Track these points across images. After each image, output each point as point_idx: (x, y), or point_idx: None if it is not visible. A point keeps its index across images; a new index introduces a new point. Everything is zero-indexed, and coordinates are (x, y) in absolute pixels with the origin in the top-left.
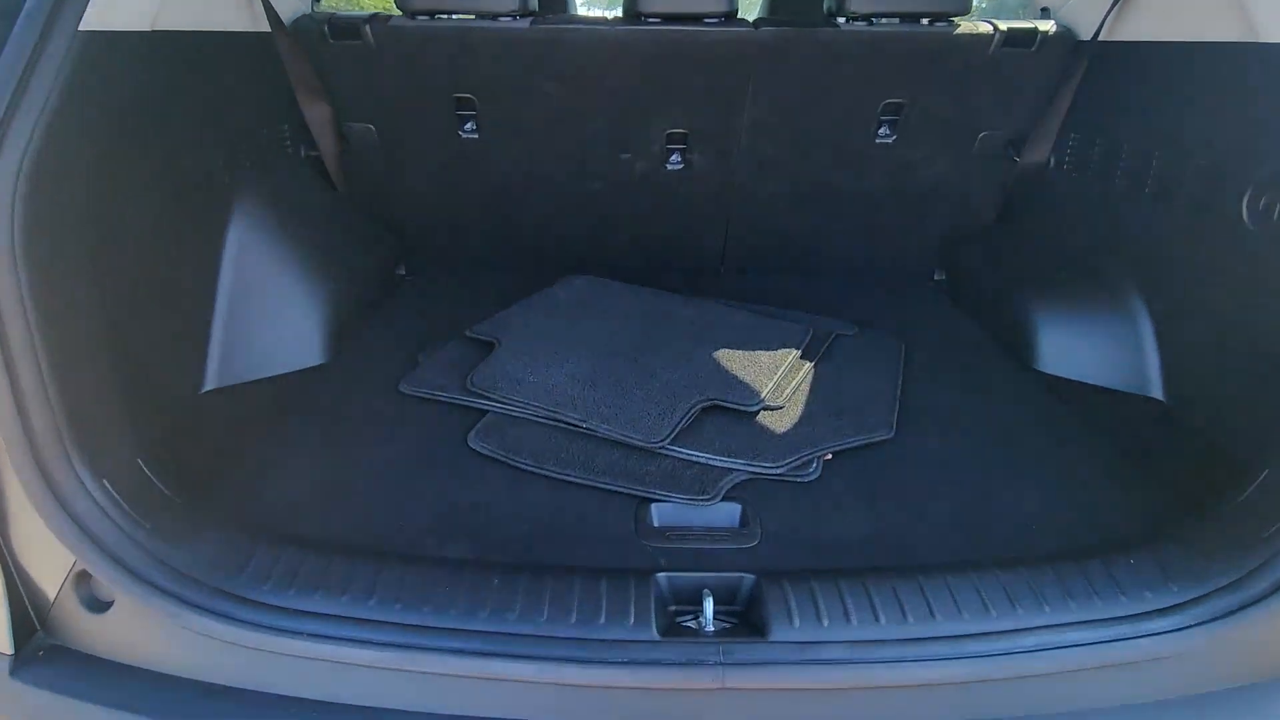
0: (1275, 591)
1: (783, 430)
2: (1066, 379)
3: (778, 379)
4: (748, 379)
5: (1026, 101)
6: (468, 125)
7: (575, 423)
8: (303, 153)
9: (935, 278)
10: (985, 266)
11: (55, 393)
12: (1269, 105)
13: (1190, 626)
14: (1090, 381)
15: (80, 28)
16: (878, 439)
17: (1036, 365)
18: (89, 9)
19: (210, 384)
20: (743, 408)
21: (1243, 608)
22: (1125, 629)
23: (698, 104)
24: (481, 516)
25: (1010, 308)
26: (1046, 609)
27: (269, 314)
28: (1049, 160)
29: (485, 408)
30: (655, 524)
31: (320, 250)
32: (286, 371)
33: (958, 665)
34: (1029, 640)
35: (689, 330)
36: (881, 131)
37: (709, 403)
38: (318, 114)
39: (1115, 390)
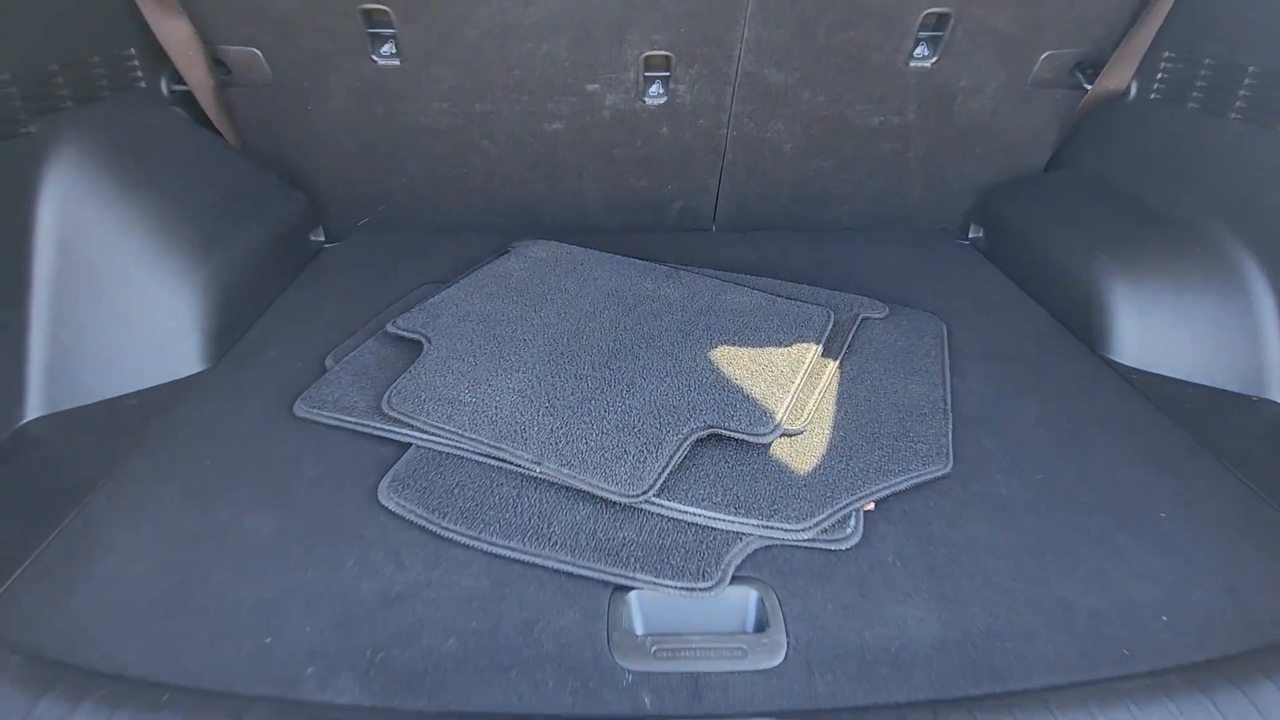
0: None
1: (807, 469)
2: (1156, 374)
3: (795, 390)
4: (756, 392)
5: (1111, 10)
6: (385, 48)
7: (527, 466)
8: (165, 87)
9: (970, 235)
10: (1038, 222)
11: None
12: None
13: None
14: (1190, 379)
15: None
16: (931, 475)
17: (1113, 354)
18: None
19: (33, 412)
20: (752, 438)
21: None
22: None
23: (683, 16)
24: (387, 628)
25: (1075, 277)
26: None
27: (118, 308)
28: (1129, 88)
29: (406, 439)
30: (636, 629)
31: (196, 217)
32: (149, 386)
33: None
34: None
35: (677, 318)
36: (918, 51)
37: (707, 431)
38: (173, 33)
39: (1228, 392)
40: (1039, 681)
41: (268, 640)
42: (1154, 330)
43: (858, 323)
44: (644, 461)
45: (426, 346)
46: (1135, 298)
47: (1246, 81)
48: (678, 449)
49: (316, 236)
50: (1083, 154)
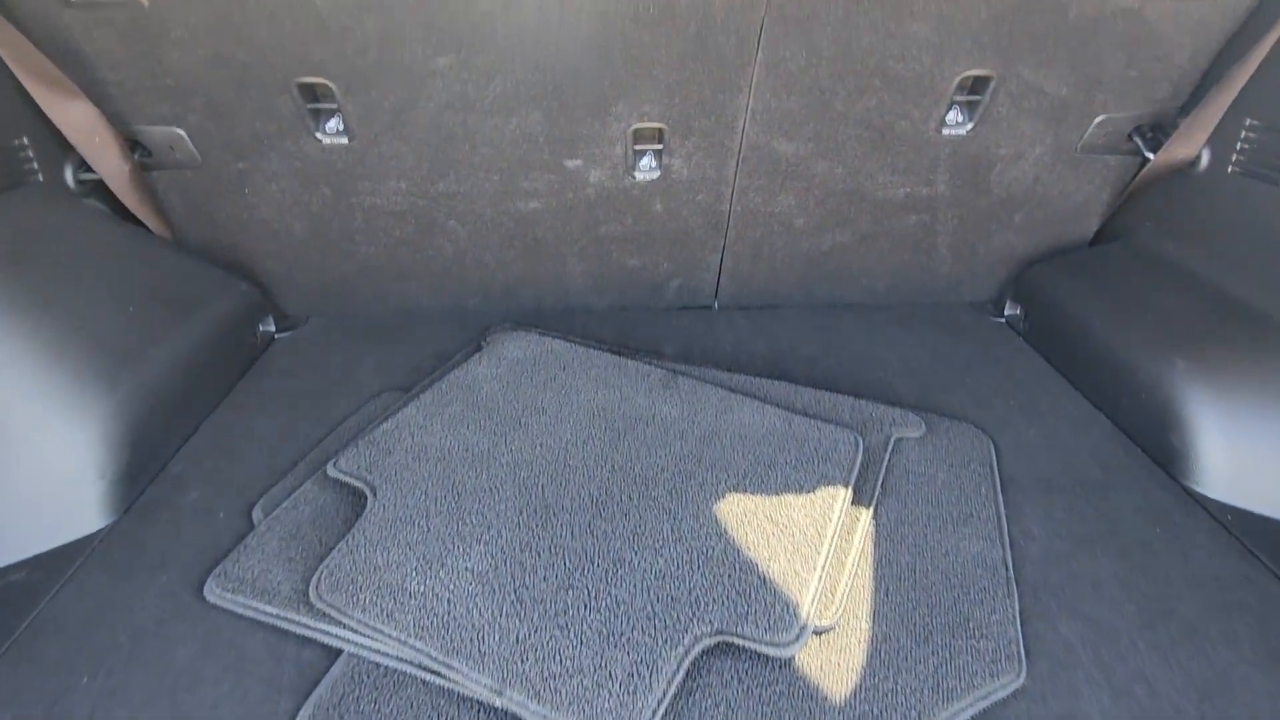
0: None
1: (843, 693)
2: (1259, 515)
3: (824, 563)
4: (775, 569)
5: (1176, 69)
6: (329, 123)
7: (484, 693)
8: (71, 178)
9: (1006, 312)
10: (1091, 305)
11: None
12: None
13: None
14: None
15: None
16: (1002, 691)
17: (1199, 485)
18: None
19: None
20: (773, 650)
21: None
22: None
23: (677, 85)
24: None
25: (1144, 380)
26: None
27: None
28: (1199, 156)
29: (336, 642)
30: None
31: (103, 333)
32: (26, 558)
33: None
34: None
35: (675, 452)
36: (952, 117)
37: (715, 639)
38: (75, 117)
39: None
40: None
41: None
42: (1251, 458)
43: (890, 447)
44: (634, 690)
45: (371, 501)
46: (1225, 415)
47: None
48: (678, 669)
49: (266, 326)
50: (1140, 227)
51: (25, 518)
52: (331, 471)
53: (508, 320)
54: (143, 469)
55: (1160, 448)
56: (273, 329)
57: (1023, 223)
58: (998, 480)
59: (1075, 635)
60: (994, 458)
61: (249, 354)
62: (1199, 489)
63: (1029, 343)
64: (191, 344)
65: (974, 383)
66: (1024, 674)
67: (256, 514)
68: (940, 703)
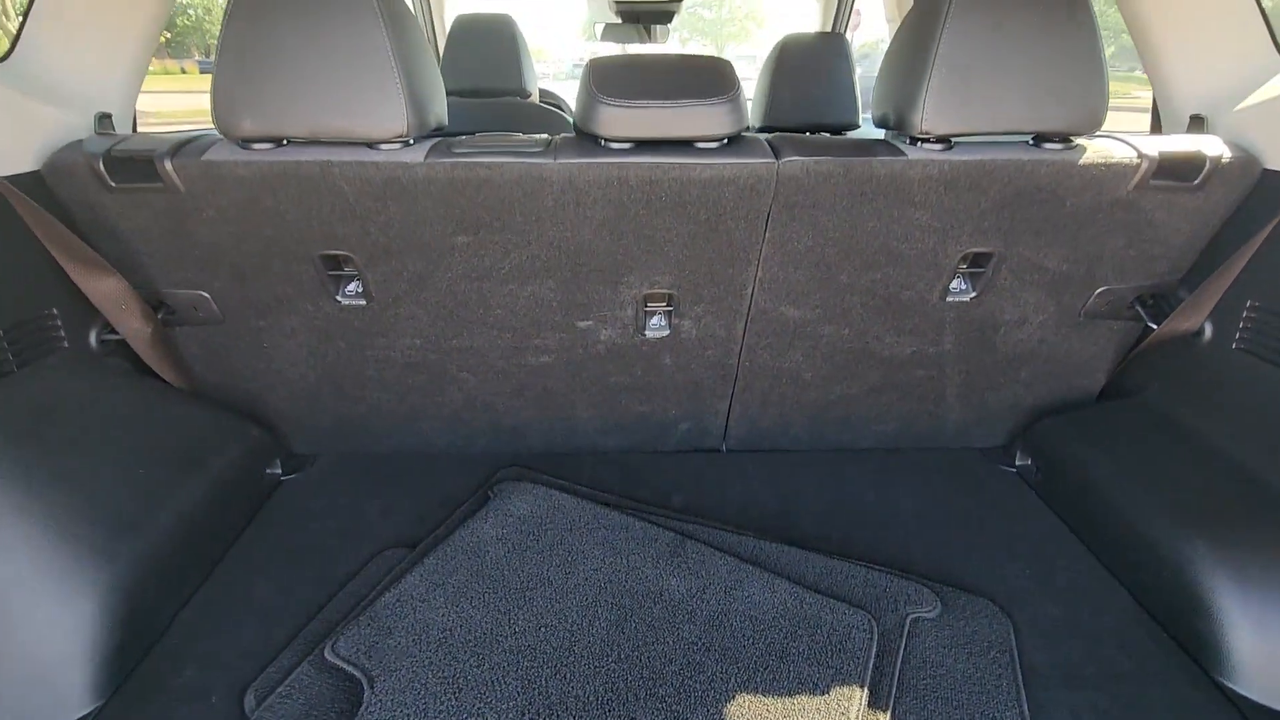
0: None
1: None
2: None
3: None
4: None
5: (1174, 250)
6: (349, 287)
7: None
8: (94, 339)
9: (1016, 462)
10: (1104, 466)
11: None
12: None
13: None
14: None
15: None
16: None
17: (1231, 682)
18: None
19: None
20: None
21: None
22: None
23: (688, 260)
24: None
25: (1168, 560)
26: None
27: None
28: (1203, 329)
29: None
30: None
31: (107, 499)
32: None
33: None
34: None
35: (683, 637)
36: (956, 285)
37: None
38: (105, 287)
39: None
40: None
41: None
42: (1272, 649)
43: (906, 630)
44: None
45: (368, 694)
46: (1256, 609)
47: None
48: None
49: (273, 469)
50: (1149, 386)
51: (9, 706)
52: (329, 655)
53: (515, 462)
54: (135, 645)
55: (1189, 636)
56: (279, 471)
57: (1029, 378)
58: (1019, 672)
59: None
60: (1014, 642)
61: (256, 499)
62: (1233, 686)
63: (1041, 497)
64: (198, 499)
65: (988, 544)
66: None
67: (249, 701)
68: None
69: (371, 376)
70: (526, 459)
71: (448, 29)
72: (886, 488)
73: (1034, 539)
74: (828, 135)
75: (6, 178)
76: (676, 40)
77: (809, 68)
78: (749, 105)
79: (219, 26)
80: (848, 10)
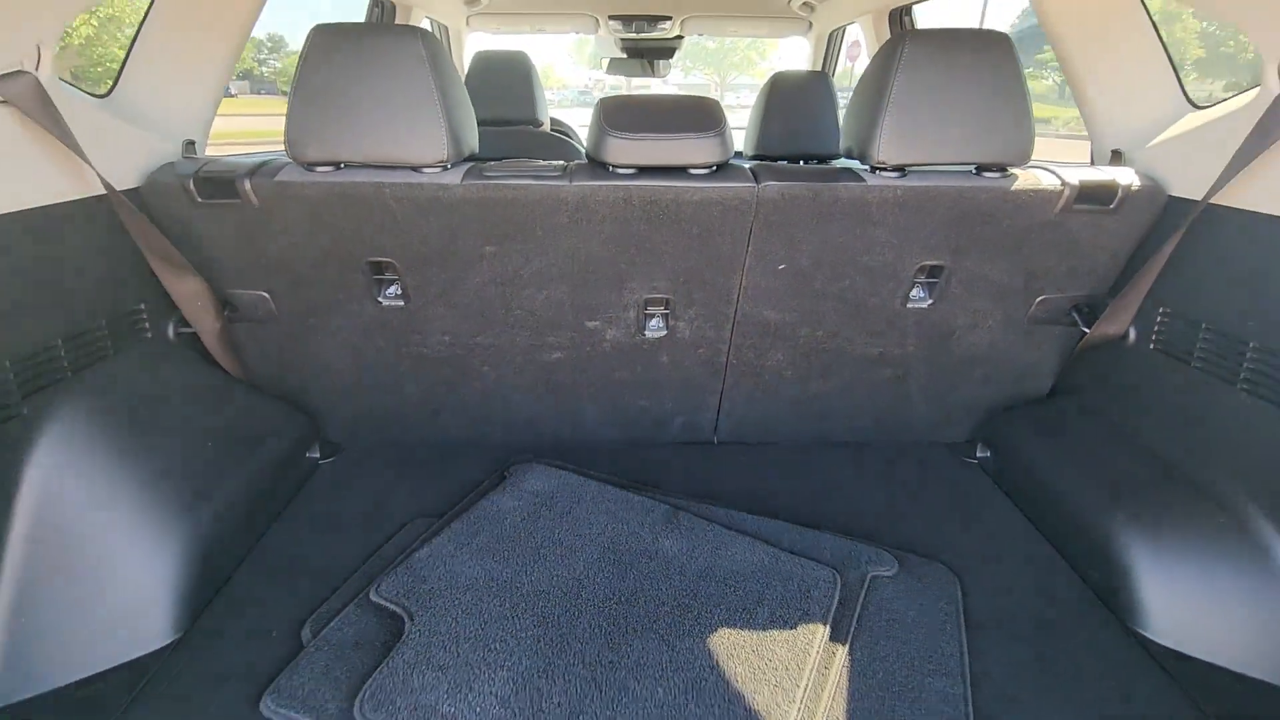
0: None
1: None
2: (1199, 660)
3: (803, 697)
4: (760, 702)
5: (1100, 265)
6: (390, 290)
7: None
8: (171, 331)
9: (978, 455)
10: (1046, 454)
11: None
12: None
13: None
14: (1237, 670)
15: None
16: None
17: (1145, 630)
18: None
19: None
20: None
21: None
22: None
23: (682, 268)
24: None
25: (1095, 532)
26: None
27: (87, 586)
28: (1128, 333)
29: None
30: None
31: (185, 467)
32: (106, 668)
33: None
34: None
35: (675, 586)
36: (915, 294)
37: None
38: (187, 287)
39: (1265, 683)
40: None
41: None
42: (1186, 608)
43: (866, 585)
44: None
45: (408, 626)
46: (1162, 568)
47: (1247, 353)
48: None
49: (312, 454)
50: (1087, 386)
51: (102, 636)
52: (374, 596)
53: (528, 452)
54: (206, 590)
55: (1108, 591)
56: (318, 455)
57: (984, 378)
58: (962, 619)
59: None
60: (960, 596)
61: (298, 479)
62: (1142, 631)
63: (997, 484)
64: (253, 474)
65: (945, 523)
66: None
67: (305, 633)
68: None
69: (404, 371)
70: (538, 449)
71: (467, 64)
72: (859, 475)
73: (986, 518)
74: (808, 164)
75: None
76: (680, 70)
77: (796, 103)
78: (744, 134)
79: (247, 60)
80: (835, 54)
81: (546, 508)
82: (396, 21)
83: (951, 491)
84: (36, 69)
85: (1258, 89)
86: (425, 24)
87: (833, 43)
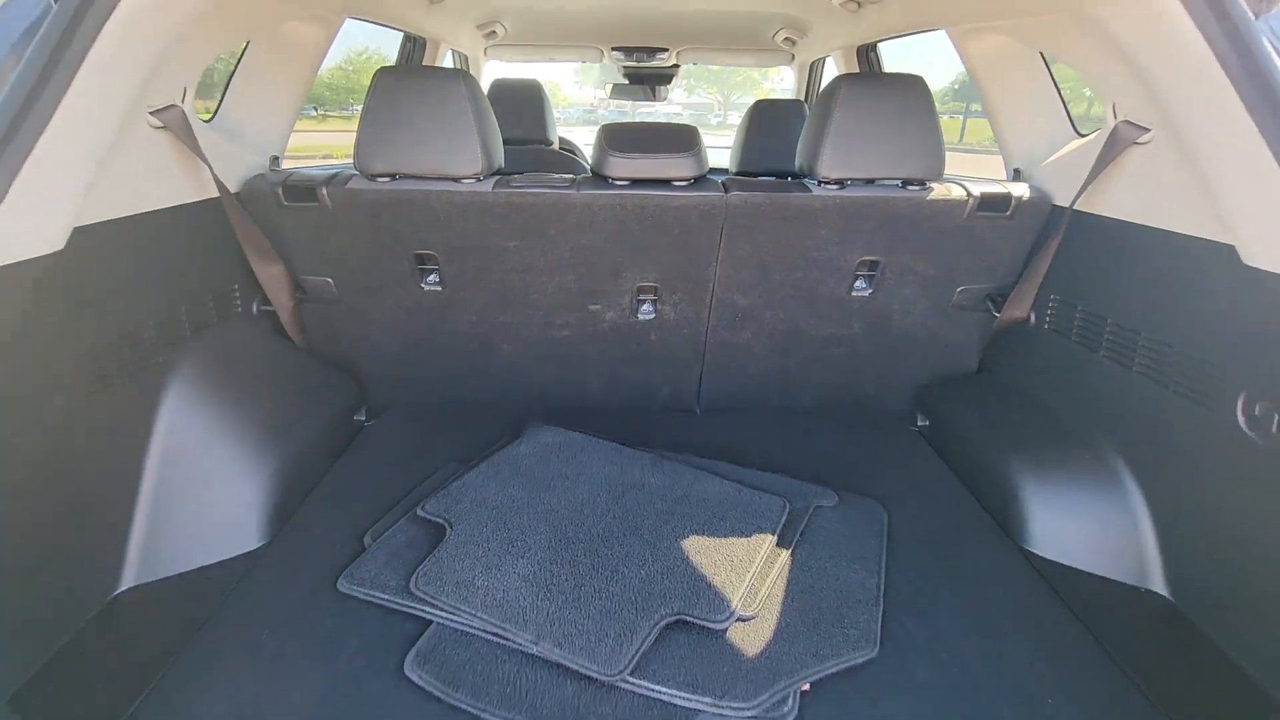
0: None
1: (755, 653)
2: (1061, 564)
3: (750, 579)
4: (718, 580)
5: (1003, 261)
6: (430, 278)
7: (525, 645)
8: (255, 308)
9: (918, 423)
10: (967, 418)
11: None
12: (1253, 320)
13: None
14: (1087, 570)
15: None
16: (860, 660)
17: (1028, 545)
18: None
19: (126, 583)
20: (711, 624)
21: None
22: None
23: (667, 261)
24: None
25: (996, 474)
26: None
27: (201, 496)
28: (1029, 317)
29: (429, 616)
30: None
31: (267, 410)
32: (215, 561)
33: None
34: None
35: (657, 507)
36: (857, 284)
37: (674, 618)
38: (271, 272)
39: (1115, 581)
40: None
41: None
42: (1059, 526)
43: (810, 511)
44: (621, 645)
45: (448, 531)
46: (1042, 497)
47: (1107, 327)
48: (649, 633)
49: (359, 416)
50: (1001, 363)
51: (211, 536)
52: (420, 512)
53: (539, 416)
54: (285, 509)
55: (1004, 517)
56: (363, 418)
57: (919, 357)
58: (885, 537)
59: (914, 630)
60: (886, 521)
61: (348, 436)
62: (1027, 548)
63: (931, 446)
64: (318, 426)
65: (883, 473)
66: (876, 650)
67: (367, 539)
68: (816, 663)
69: (439, 345)
70: (548, 413)
71: (485, 89)
72: (816, 437)
73: (916, 469)
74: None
75: (218, 197)
76: (683, 90)
77: (775, 125)
78: (729, 153)
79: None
80: (817, 82)
81: (555, 455)
82: (425, 53)
83: (892, 450)
84: (183, 102)
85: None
86: (449, 55)
87: (814, 71)
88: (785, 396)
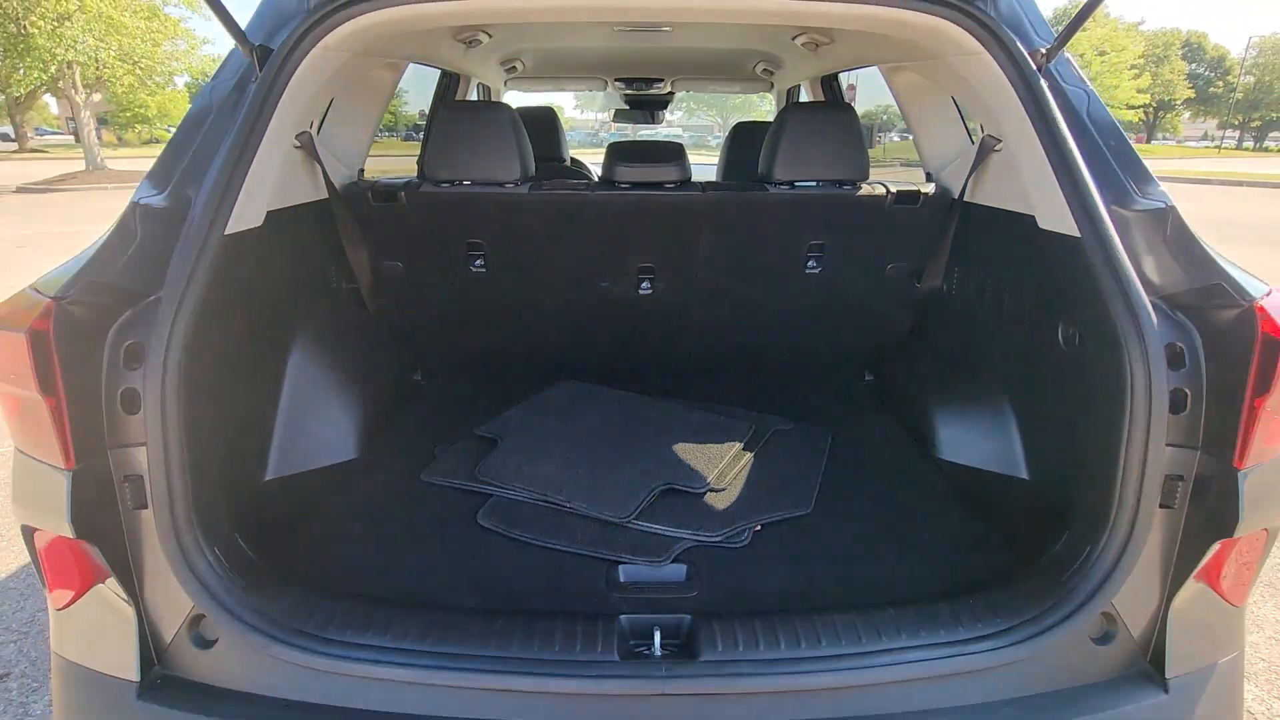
0: (1064, 620)
1: (723, 507)
2: (960, 464)
3: (722, 466)
4: (698, 467)
5: (920, 243)
6: (477, 262)
7: (561, 503)
8: (344, 286)
9: (866, 379)
10: (902, 371)
11: (190, 488)
12: (1055, 268)
13: (1003, 647)
14: (976, 466)
15: (226, 233)
16: (798, 514)
17: (938, 454)
18: (230, 221)
19: (271, 473)
20: (692, 490)
21: (1041, 633)
22: (957, 649)
23: (660, 246)
24: (489, 576)
25: (919, 407)
26: (903, 636)
27: (316, 418)
28: (944, 287)
29: (491, 492)
30: (621, 580)
31: (355, 364)
32: (328, 464)
33: (833, 675)
34: (886, 658)
35: (655, 428)
36: (809, 264)
37: (667, 486)
38: (358, 257)
39: (993, 473)
40: (830, 605)
41: (426, 582)
42: (957, 438)
43: (770, 432)
44: (629, 501)
45: (500, 443)
46: (946, 418)
47: (987, 289)
48: (649, 494)
49: (416, 376)
50: (927, 328)
51: (323, 447)
52: (477, 431)
53: (563, 374)
54: (371, 432)
55: (921, 435)
56: (419, 378)
57: (863, 323)
58: (826, 451)
59: (841, 501)
60: (829, 440)
61: (410, 391)
62: (934, 454)
63: (877, 396)
64: (387, 377)
65: (833, 413)
66: (811, 509)
67: (437, 452)
68: (767, 514)
69: (482, 316)
70: (570, 373)
71: None
72: (784, 389)
73: (863, 409)
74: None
75: (327, 198)
76: (684, 112)
77: (753, 142)
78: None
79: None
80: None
81: (578, 398)
82: (460, 86)
83: (843, 398)
84: (312, 128)
85: None
86: (475, 87)
87: (790, 96)
88: (755, 357)
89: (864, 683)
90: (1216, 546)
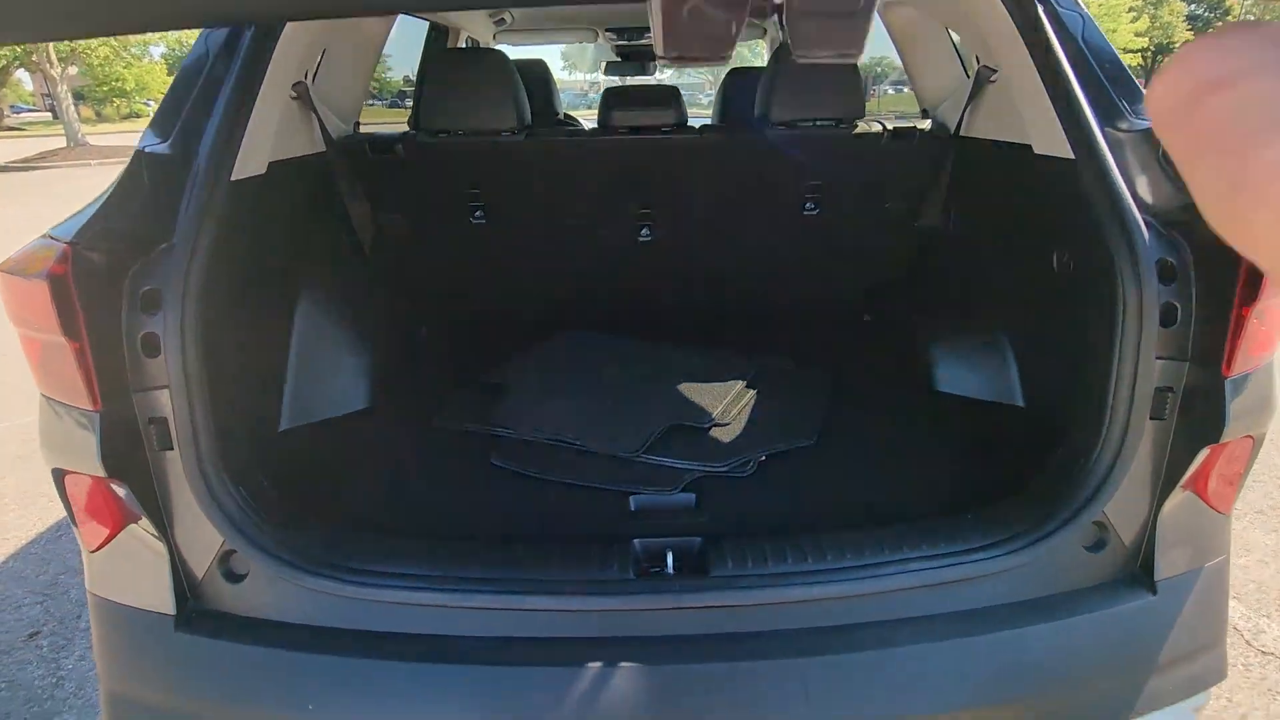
0: (1058, 530)
1: (728, 440)
2: (957, 395)
3: (726, 403)
4: (704, 404)
5: (917, 180)
6: (477, 214)
7: (572, 442)
8: (345, 240)
9: (865, 319)
10: (900, 309)
11: (213, 429)
12: (1050, 194)
13: (1000, 555)
14: (974, 396)
15: (232, 179)
16: (801, 445)
17: (936, 387)
18: (235, 166)
19: (285, 424)
20: (698, 425)
21: (1037, 541)
22: (955, 559)
23: (658, 191)
24: (506, 511)
25: (918, 343)
26: (904, 549)
27: (325, 370)
28: (941, 223)
29: (503, 435)
30: (633, 509)
31: (361, 317)
32: (341, 414)
33: (838, 585)
34: (889, 569)
35: (659, 370)
36: (807, 206)
37: (673, 423)
38: (359, 210)
39: (991, 402)
40: (834, 525)
41: (447, 516)
42: (955, 369)
43: (773, 371)
44: (638, 437)
45: (508, 388)
46: (944, 351)
47: (984, 223)
48: (656, 430)
49: (420, 328)
50: (925, 263)
51: (334, 398)
52: (483, 379)
53: (564, 324)
54: (381, 383)
55: (918, 370)
56: (425, 330)
57: (861, 264)
58: (830, 385)
59: (847, 432)
60: (831, 380)
61: (416, 345)
62: (934, 386)
63: (876, 336)
64: (396, 330)
65: (837, 354)
66: (814, 440)
67: (447, 398)
68: (772, 444)
69: (483, 268)
70: (573, 324)
71: None
72: (786, 327)
73: (863, 350)
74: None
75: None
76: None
77: (747, 89)
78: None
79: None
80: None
81: (581, 346)
82: (449, 39)
83: (845, 338)
84: (307, 78)
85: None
86: (464, 40)
87: (783, 45)
88: (755, 301)
89: (868, 591)
90: (1205, 452)
